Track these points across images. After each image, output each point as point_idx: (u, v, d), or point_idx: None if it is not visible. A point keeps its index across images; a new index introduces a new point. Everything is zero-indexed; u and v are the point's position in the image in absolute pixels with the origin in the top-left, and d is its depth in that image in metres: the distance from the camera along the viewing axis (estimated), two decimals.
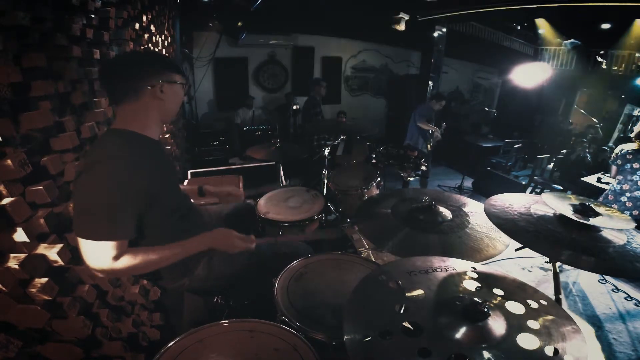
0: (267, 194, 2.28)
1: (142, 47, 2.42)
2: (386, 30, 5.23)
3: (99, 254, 0.98)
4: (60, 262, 1.02)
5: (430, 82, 6.07)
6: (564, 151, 5.68)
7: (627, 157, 2.87)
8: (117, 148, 1.05)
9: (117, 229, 1.01)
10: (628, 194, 2.87)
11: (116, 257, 1.00)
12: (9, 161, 0.88)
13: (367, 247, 1.99)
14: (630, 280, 2.62)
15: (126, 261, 1.02)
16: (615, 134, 7.18)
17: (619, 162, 2.93)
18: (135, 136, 1.11)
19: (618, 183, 2.95)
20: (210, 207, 1.82)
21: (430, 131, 4.39)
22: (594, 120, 6.47)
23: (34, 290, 0.94)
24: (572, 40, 7.03)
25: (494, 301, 0.85)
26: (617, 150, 2.99)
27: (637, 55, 6.45)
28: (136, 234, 1.08)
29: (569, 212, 1.26)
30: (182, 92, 1.22)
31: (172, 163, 1.38)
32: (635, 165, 2.81)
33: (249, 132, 5.25)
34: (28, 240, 0.93)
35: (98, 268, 1.00)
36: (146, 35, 2.60)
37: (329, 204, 2.30)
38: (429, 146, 4.48)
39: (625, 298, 2.46)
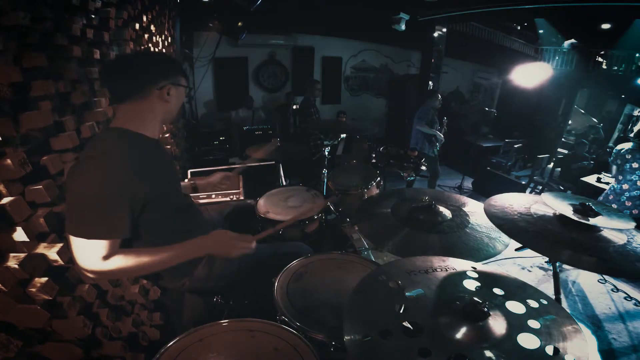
0: (267, 194, 2.28)
1: (142, 47, 2.42)
2: (386, 30, 5.23)
3: (88, 253, 0.96)
4: (60, 262, 1.02)
5: (430, 82, 6.08)
6: (564, 151, 5.69)
7: (626, 156, 2.87)
8: (112, 145, 1.03)
9: (108, 227, 0.98)
10: (627, 194, 2.87)
11: (106, 257, 0.97)
12: (8, 161, 0.88)
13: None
14: (630, 280, 2.62)
15: (117, 262, 0.99)
16: (615, 134, 7.19)
17: (619, 161, 2.93)
18: (133, 135, 1.10)
19: (618, 183, 2.95)
20: (211, 206, 1.82)
21: (434, 135, 4.22)
22: (594, 120, 6.48)
23: (33, 289, 0.94)
24: (571, 40, 7.04)
25: (494, 301, 0.85)
26: (616, 150, 2.99)
27: (637, 55, 6.46)
28: (130, 234, 1.05)
29: (569, 212, 1.26)
30: (184, 95, 1.25)
31: (172, 163, 1.37)
32: (635, 165, 2.81)
33: (249, 132, 5.25)
34: (28, 239, 0.93)
35: (87, 268, 0.97)
36: (146, 35, 2.60)
37: (329, 203, 2.30)
38: (435, 150, 4.33)
39: (625, 298, 2.46)
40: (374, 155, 3.87)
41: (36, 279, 0.96)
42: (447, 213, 1.47)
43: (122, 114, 1.12)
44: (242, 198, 2.52)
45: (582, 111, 7.26)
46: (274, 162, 3.07)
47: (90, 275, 0.99)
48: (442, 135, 4.30)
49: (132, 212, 1.04)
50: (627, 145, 2.92)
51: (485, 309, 0.77)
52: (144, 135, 1.13)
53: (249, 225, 1.96)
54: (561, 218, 1.29)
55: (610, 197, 2.99)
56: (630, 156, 2.85)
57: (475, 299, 0.80)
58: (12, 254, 0.91)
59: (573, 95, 7.42)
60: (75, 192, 0.98)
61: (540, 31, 7.57)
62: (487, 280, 0.94)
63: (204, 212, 1.56)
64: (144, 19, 2.48)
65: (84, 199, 0.96)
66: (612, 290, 2.54)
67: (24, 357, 0.90)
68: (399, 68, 7.62)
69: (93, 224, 0.96)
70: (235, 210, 1.83)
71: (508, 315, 0.81)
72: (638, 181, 2.80)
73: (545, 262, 2.91)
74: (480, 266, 1.01)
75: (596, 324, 2.19)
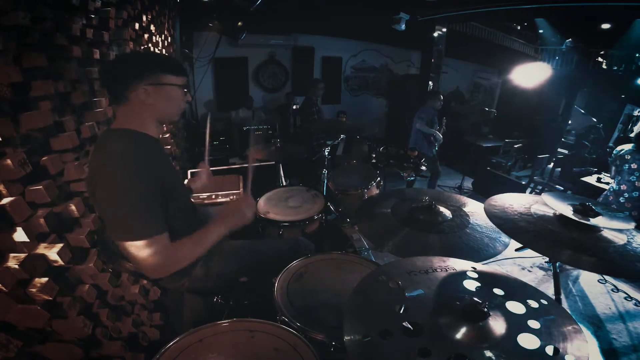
0: (267, 194, 2.27)
1: (142, 47, 2.42)
2: (386, 30, 5.23)
3: (153, 250, 0.99)
4: (60, 262, 1.02)
5: (430, 82, 6.07)
6: (564, 151, 5.68)
7: (626, 157, 2.88)
8: (124, 146, 1.04)
9: (158, 221, 1.02)
10: (626, 194, 2.87)
11: (166, 248, 1.01)
12: (8, 161, 0.88)
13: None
14: (630, 280, 2.62)
15: (180, 247, 1.05)
16: (615, 134, 7.19)
17: (618, 162, 2.94)
18: (137, 135, 1.11)
19: (617, 183, 2.95)
20: (213, 207, 1.82)
21: (433, 135, 4.24)
22: (594, 120, 6.47)
23: (34, 290, 0.94)
24: (570, 40, 7.04)
25: (494, 301, 0.85)
26: (616, 151, 2.99)
27: (637, 55, 6.45)
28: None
29: (569, 212, 1.26)
30: (177, 93, 1.17)
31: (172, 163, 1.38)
32: (633, 166, 2.81)
33: (249, 132, 5.24)
34: (28, 240, 0.93)
35: (157, 263, 1.00)
36: (146, 35, 2.60)
37: (329, 204, 2.30)
38: (433, 150, 4.34)
39: (625, 298, 2.46)
40: (374, 156, 3.87)
41: (36, 279, 0.96)
42: (447, 213, 1.47)
43: (122, 115, 1.13)
44: None
45: (582, 111, 7.26)
46: (274, 163, 3.07)
47: (160, 274, 1.04)
48: (441, 136, 4.31)
49: (159, 206, 1.06)
50: (627, 147, 2.92)
51: (485, 309, 0.77)
52: (147, 134, 1.13)
53: (249, 226, 1.96)
54: (561, 218, 1.29)
55: (610, 198, 2.99)
56: (629, 157, 2.85)
57: (475, 299, 0.80)
58: (12, 254, 0.91)
59: (573, 95, 7.42)
60: (112, 201, 0.99)
61: (540, 31, 7.57)
62: (487, 280, 0.94)
63: (203, 212, 1.56)
64: (144, 18, 2.48)
65: (127, 204, 0.98)
66: (612, 290, 2.54)
67: (24, 357, 0.90)
68: (399, 68, 7.61)
69: (146, 223, 0.99)
70: None
71: (508, 315, 0.81)
72: (636, 182, 2.80)
73: (546, 262, 2.91)
74: (480, 266, 1.01)
75: (596, 324, 2.19)
